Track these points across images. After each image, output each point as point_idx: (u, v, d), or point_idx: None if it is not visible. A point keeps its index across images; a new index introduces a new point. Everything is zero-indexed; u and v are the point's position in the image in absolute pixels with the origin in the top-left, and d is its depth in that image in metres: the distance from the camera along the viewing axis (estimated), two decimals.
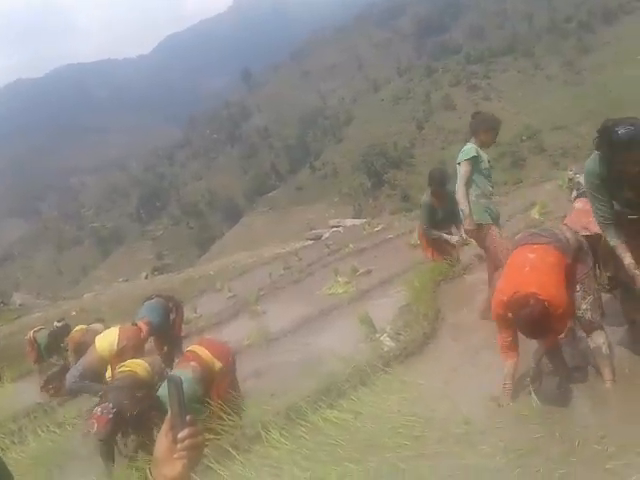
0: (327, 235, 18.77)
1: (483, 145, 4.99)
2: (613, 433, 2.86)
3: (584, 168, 3.49)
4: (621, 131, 2.95)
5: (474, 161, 4.84)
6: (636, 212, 3.31)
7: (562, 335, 3.56)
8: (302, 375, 4.49)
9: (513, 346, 3.48)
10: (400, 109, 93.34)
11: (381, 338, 5.56)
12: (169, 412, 1.19)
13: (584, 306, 3.48)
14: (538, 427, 3.10)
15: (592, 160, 3.31)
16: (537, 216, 9.32)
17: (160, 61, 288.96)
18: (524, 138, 69.65)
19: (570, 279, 3.47)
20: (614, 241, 3.34)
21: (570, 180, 10.67)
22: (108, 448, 4.14)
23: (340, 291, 8.45)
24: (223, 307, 10.13)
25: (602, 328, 3.53)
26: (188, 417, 1.18)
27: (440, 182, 6.52)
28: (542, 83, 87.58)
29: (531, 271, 3.37)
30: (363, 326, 5.91)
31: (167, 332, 6.47)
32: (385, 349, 4.95)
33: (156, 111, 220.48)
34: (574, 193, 9.87)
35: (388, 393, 3.87)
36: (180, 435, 1.16)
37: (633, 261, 3.26)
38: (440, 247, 6.76)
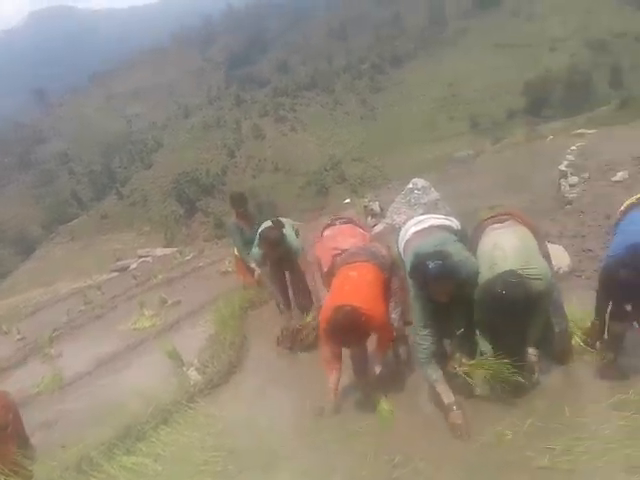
0: (134, 266, 17.72)
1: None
2: (400, 443, 3.10)
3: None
4: (431, 265, 3.22)
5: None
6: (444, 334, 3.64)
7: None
8: (98, 421, 4.12)
9: (335, 360, 3.68)
10: (211, 136, 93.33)
11: (188, 372, 5.38)
12: None
13: (394, 315, 3.95)
14: (338, 446, 3.23)
15: (412, 286, 3.52)
16: None
17: None
18: (327, 168, 74.35)
19: (388, 292, 3.89)
20: (431, 378, 3.44)
21: (365, 207, 11.54)
22: None
23: (147, 325, 8.00)
24: (10, 352, 8.93)
25: (406, 337, 4.02)
26: None
27: (240, 202, 6.73)
28: (342, 117, 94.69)
29: (352, 288, 3.70)
30: (170, 360, 5.67)
31: None
32: (192, 383, 4.80)
33: None
34: (369, 219, 10.77)
35: (192, 429, 3.74)
36: None
37: (453, 399, 3.33)
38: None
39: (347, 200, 16.93)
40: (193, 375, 5.11)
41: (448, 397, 3.30)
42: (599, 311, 3.47)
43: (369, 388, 3.73)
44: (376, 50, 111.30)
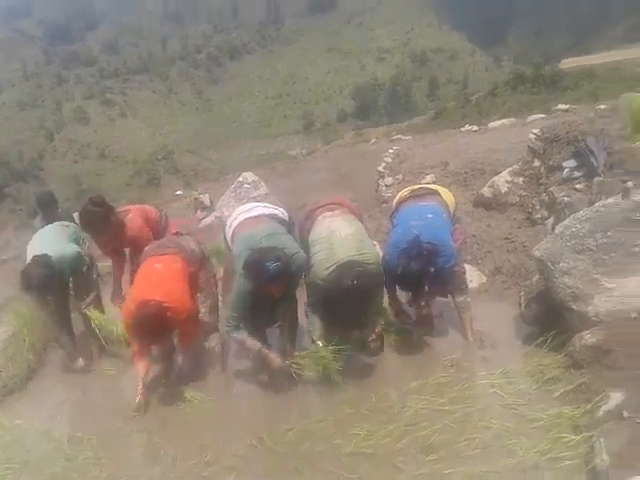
0: None
1: None
2: (210, 443, 3.05)
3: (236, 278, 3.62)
4: (272, 267, 3.23)
5: None
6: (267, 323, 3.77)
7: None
8: None
9: (143, 353, 3.60)
10: (27, 116, 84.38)
11: None
12: None
13: (204, 309, 3.93)
14: (144, 448, 3.07)
15: (242, 277, 3.46)
16: None
17: None
18: (159, 157, 71.31)
19: (195, 285, 3.84)
20: (239, 338, 3.57)
21: (195, 200, 11.25)
22: None
23: None
24: None
25: (217, 330, 4.02)
26: None
27: (48, 204, 5.82)
28: (176, 107, 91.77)
29: (157, 280, 3.58)
30: None
31: None
32: None
33: None
34: (198, 212, 10.52)
35: None
36: None
37: (260, 346, 3.54)
38: None
39: (179, 192, 16.45)
40: None
41: (254, 344, 3.52)
42: (390, 295, 3.88)
43: (176, 381, 3.73)
44: (213, 40, 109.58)
